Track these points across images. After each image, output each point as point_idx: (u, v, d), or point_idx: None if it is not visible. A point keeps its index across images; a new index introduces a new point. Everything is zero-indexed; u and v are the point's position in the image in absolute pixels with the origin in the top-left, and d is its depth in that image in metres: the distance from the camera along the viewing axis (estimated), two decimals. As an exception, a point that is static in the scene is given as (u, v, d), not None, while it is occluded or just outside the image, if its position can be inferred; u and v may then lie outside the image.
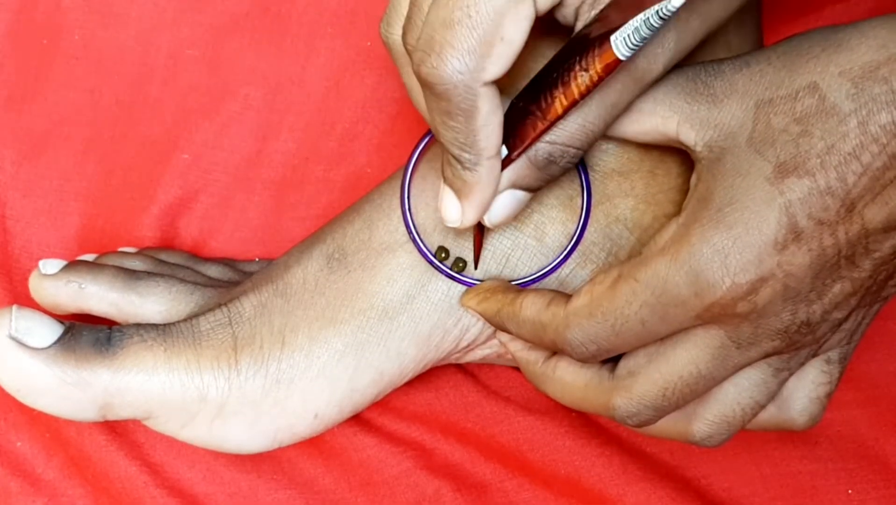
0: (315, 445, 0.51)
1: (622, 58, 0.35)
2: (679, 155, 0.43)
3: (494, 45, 0.35)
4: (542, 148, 0.38)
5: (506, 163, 0.39)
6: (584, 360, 0.40)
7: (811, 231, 0.34)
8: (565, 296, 0.41)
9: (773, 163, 0.35)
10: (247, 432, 0.44)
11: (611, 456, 0.50)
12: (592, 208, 0.44)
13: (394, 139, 0.53)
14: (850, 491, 0.51)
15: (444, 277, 0.44)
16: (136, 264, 0.49)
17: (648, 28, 0.34)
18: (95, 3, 0.52)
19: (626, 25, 0.34)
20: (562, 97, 0.36)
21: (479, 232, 0.44)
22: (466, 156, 0.38)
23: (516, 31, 0.35)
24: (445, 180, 0.40)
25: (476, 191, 0.39)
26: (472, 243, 0.45)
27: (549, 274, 0.44)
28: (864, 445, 0.52)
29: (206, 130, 0.53)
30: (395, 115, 0.53)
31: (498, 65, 0.35)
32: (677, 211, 0.44)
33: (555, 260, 0.44)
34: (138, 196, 0.52)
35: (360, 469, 0.50)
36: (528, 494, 0.50)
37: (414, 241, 0.44)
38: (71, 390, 0.42)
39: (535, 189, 0.40)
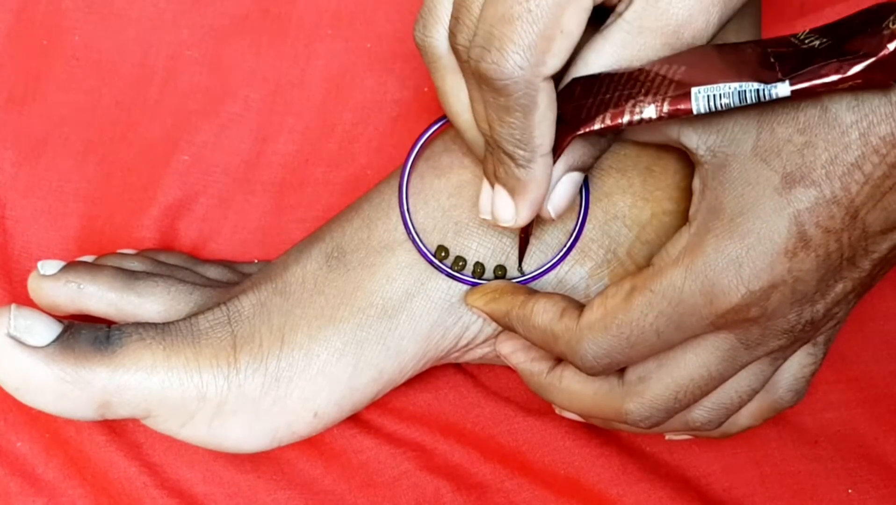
0: (315, 445, 0.50)
1: (696, 112, 0.35)
2: (675, 152, 0.44)
3: (554, 38, 0.35)
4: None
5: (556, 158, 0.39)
6: (594, 373, 0.40)
7: (819, 238, 0.35)
8: (578, 306, 0.41)
9: (780, 173, 0.35)
10: (246, 431, 0.44)
11: (611, 456, 0.50)
12: (591, 205, 0.44)
13: (394, 141, 0.53)
14: (850, 491, 0.51)
15: (443, 276, 0.44)
16: (135, 265, 0.49)
17: (739, 100, 0.34)
18: (95, 4, 0.53)
19: (714, 86, 0.34)
20: (607, 117, 0.36)
21: (525, 228, 0.43)
22: (521, 153, 0.38)
23: (575, 22, 0.35)
24: (498, 180, 0.40)
25: (531, 188, 0.39)
26: (472, 242, 0.45)
27: (549, 271, 0.44)
28: (864, 445, 0.52)
29: (205, 132, 0.53)
30: (395, 117, 0.53)
31: (558, 58, 0.36)
32: (675, 208, 0.44)
33: (554, 257, 0.44)
34: (138, 197, 0.52)
35: (360, 470, 0.50)
36: (528, 494, 0.50)
37: (413, 240, 0.44)
38: (70, 389, 0.42)
39: (590, 167, 0.40)
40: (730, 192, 0.37)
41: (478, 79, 0.37)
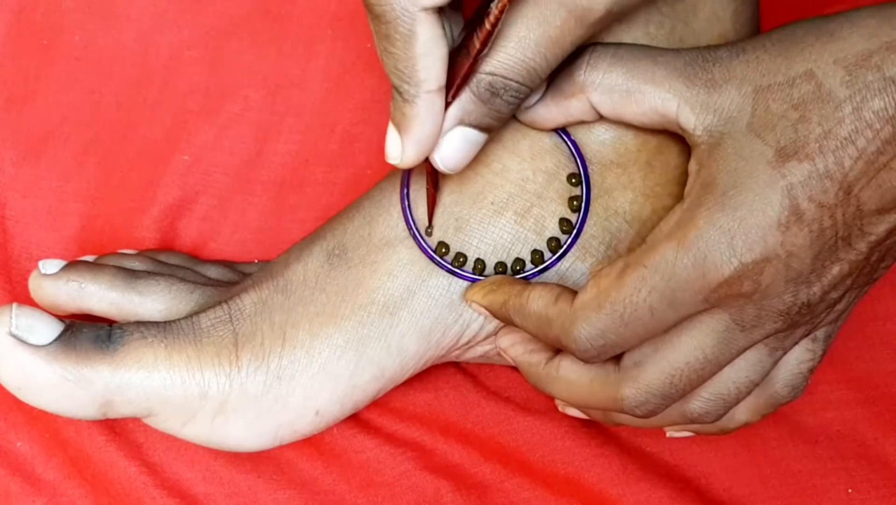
0: (315, 445, 0.50)
1: None
2: (675, 147, 0.44)
3: None
4: (482, 79, 0.38)
5: (449, 102, 0.39)
6: (589, 358, 0.40)
7: (812, 213, 0.35)
8: (573, 292, 0.41)
9: (774, 147, 0.36)
10: (248, 429, 0.44)
11: (611, 456, 0.50)
12: (591, 202, 0.44)
13: (393, 141, 0.53)
14: (850, 491, 0.51)
15: (444, 273, 0.44)
16: (136, 265, 0.49)
17: None
18: (96, 4, 0.53)
19: None
20: (479, 31, 0.36)
21: (433, 186, 0.44)
22: (406, 86, 0.38)
23: None
24: (391, 116, 0.40)
25: (415, 125, 0.39)
26: (473, 239, 0.45)
27: (550, 268, 0.44)
28: (864, 445, 0.52)
29: (205, 132, 0.53)
30: (394, 117, 0.53)
31: None
32: (675, 204, 0.44)
33: (555, 253, 0.44)
34: (138, 197, 0.52)
35: (360, 470, 0.50)
36: (527, 494, 0.50)
37: (414, 236, 0.44)
38: (71, 388, 0.42)
39: (487, 128, 0.40)
40: (723, 167, 0.37)
41: (364, 6, 0.37)
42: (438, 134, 0.39)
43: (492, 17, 0.36)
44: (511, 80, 0.38)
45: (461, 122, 0.40)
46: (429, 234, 0.45)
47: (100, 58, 0.53)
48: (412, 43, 0.37)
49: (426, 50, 0.37)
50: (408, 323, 0.45)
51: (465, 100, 0.39)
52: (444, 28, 0.37)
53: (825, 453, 0.51)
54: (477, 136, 0.40)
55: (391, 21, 0.36)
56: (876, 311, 0.53)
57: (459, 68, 0.38)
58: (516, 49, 0.38)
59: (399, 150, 0.40)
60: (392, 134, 0.40)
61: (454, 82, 0.38)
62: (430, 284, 0.45)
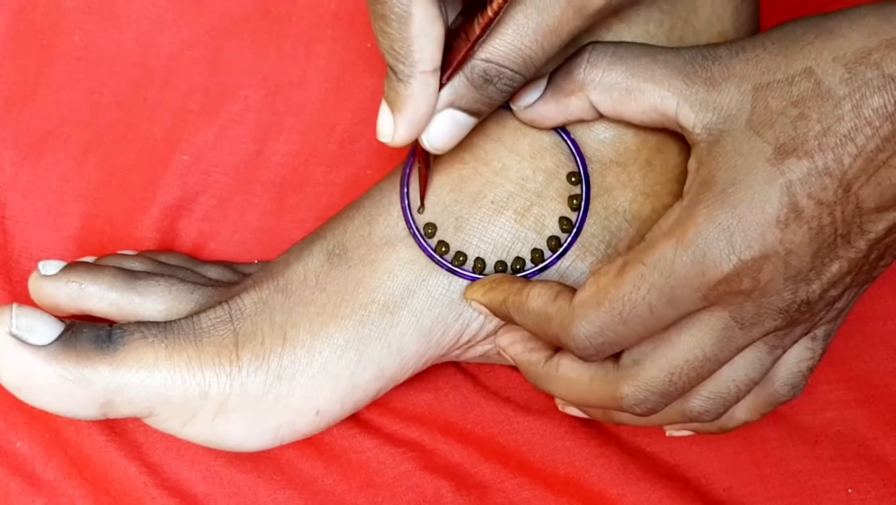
0: (315, 445, 0.50)
1: None
2: (676, 146, 0.44)
3: None
4: (477, 65, 0.38)
5: (443, 84, 0.39)
6: (588, 356, 0.40)
7: (811, 210, 0.35)
8: (573, 290, 0.41)
9: (773, 144, 0.36)
10: (248, 429, 0.44)
11: (611, 456, 0.50)
12: (591, 200, 0.44)
13: (393, 141, 0.53)
14: (850, 490, 0.51)
15: (444, 272, 0.44)
16: (136, 266, 0.49)
17: None
18: (96, 4, 0.53)
19: None
20: (480, 17, 0.36)
21: (425, 166, 0.44)
22: (400, 66, 0.38)
23: None
24: (384, 94, 0.40)
25: (408, 105, 0.39)
26: (473, 238, 0.45)
27: (550, 266, 0.44)
28: (864, 445, 0.52)
29: (205, 132, 0.53)
30: (394, 118, 0.53)
31: None
32: (675, 203, 0.44)
33: (555, 253, 0.44)
34: (138, 197, 0.52)
35: (361, 470, 0.50)
36: (527, 494, 0.50)
37: (414, 235, 0.44)
38: (72, 388, 0.42)
39: (476, 113, 0.40)
40: (723, 164, 0.37)
41: None
42: (431, 115, 0.40)
43: (495, 5, 0.36)
44: (506, 67, 0.38)
45: (452, 105, 0.40)
46: (420, 212, 0.45)
47: (100, 58, 0.53)
48: (408, 23, 0.36)
49: (422, 30, 0.37)
50: (408, 322, 0.45)
51: (457, 83, 0.39)
52: (440, 9, 0.37)
53: (825, 453, 0.51)
54: (466, 120, 0.40)
55: (387, 1, 0.36)
56: (876, 310, 0.53)
57: (456, 52, 0.38)
58: (514, 37, 0.37)
59: (391, 128, 0.40)
60: (385, 112, 0.40)
61: (450, 65, 0.38)
62: (431, 283, 0.45)
